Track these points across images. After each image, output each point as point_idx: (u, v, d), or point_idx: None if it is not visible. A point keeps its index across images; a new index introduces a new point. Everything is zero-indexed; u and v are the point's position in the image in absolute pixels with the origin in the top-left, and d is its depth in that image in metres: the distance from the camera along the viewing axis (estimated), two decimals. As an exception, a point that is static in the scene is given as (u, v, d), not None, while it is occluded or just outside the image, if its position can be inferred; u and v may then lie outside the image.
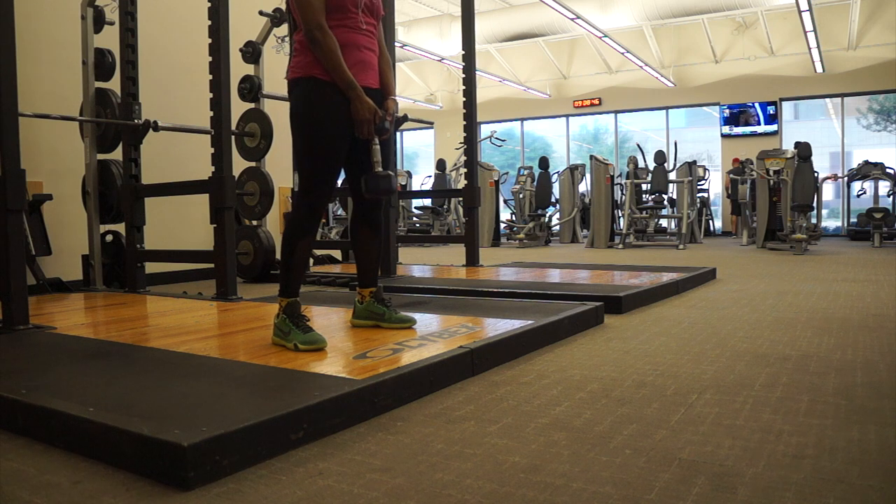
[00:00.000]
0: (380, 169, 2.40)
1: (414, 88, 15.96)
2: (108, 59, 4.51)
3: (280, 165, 5.59)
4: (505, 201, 11.79)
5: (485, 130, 12.87)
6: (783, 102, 12.86)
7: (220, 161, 3.67)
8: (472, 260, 5.54)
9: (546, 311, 2.92)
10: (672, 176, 10.36)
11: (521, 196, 11.14)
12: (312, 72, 2.32)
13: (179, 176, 4.35)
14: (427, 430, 1.63)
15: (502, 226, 11.44)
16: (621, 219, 9.86)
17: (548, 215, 11.20)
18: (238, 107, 4.59)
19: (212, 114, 3.71)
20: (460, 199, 8.41)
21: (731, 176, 10.93)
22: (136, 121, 4.19)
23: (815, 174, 8.48)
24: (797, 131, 13.13)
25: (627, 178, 9.97)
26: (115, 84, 4.45)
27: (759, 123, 12.83)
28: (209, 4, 3.67)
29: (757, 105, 12.82)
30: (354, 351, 2.19)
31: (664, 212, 10.37)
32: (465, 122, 5.79)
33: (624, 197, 9.95)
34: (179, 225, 5.54)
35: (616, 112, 14.55)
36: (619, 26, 11.61)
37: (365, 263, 2.61)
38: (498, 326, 2.58)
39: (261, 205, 5.17)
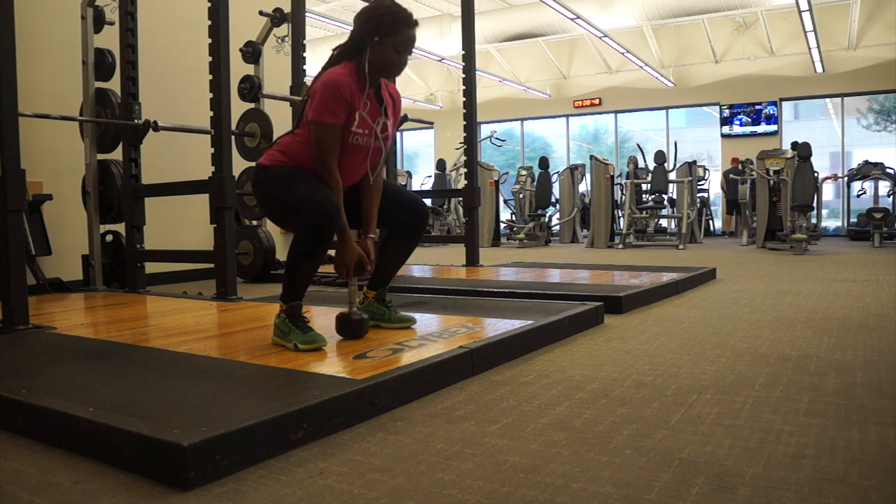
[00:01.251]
0: (355, 310, 2.39)
1: (414, 88, 15.96)
2: (108, 59, 4.51)
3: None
4: (505, 201, 11.79)
5: (485, 130, 12.87)
6: (783, 102, 12.86)
7: (220, 161, 3.67)
8: (472, 260, 5.54)
9: (546, 311, 2.92)
10: (672, 176, 10.36)
11: (521, 196, 11.14)
12: (289, 165, 2.31)
13: (179, 176, 4.34)
14: (427, 430, 1.63)
15: (502, 226, 11.44)
16: (621, 219, 9.86)
17: (548, 215, 11.20)
18: (238, 107, 4.59)
19: (212, 114, 3.71)
20: (460, 199, 8.41)
21: (731, 175, 10.92)
22: (136, 121, 4.19)
23: (815, 174, 8.49)
24: (797, 131, 13.13)
25: (627, 178, 9.97)
26: (115, 84, 4.45)
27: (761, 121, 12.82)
28: (209, 4, 3.67)
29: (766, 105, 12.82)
30: (354, 351, 2.19)
31: (664, 212, 10.37)
32: (465, 122, 5.80)
33: (624, 197, 9.95)
34: (179, 225, 5.54)
35: (616, 112, 14.55)
36: (619, 26, 11.61)
37: (389, 269, 2.60)
38: (498, 326, 2.58)
39: (259, 208, 5.16)
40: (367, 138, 2.35)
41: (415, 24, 2.33)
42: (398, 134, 10.46)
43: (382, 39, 2.27)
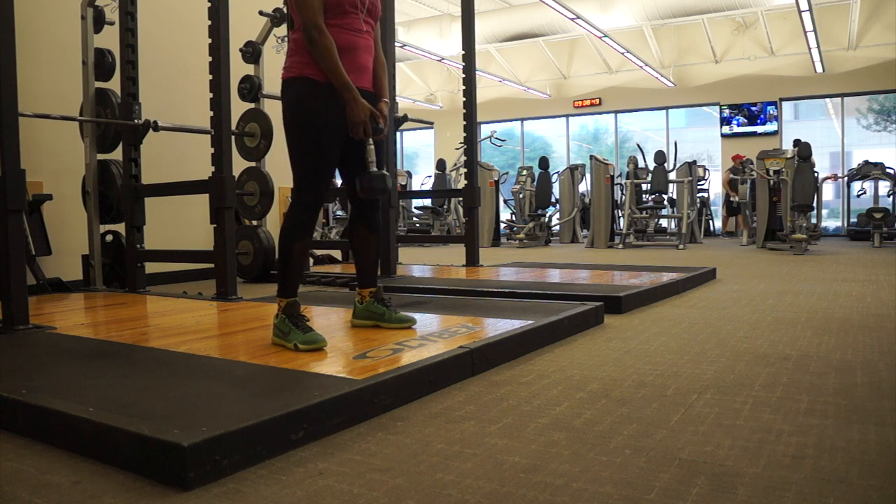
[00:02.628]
0: (374, 169, 2.40)
1: (414, 88, 15.95)
2: (108, 59, 4.51)
3: (280, 165, 5.56)
4: (505, 201, 11.79)
5: (485, 130, 12.87)
6: (783, 102, 12.86)
7: (220, 161, 3.67)
8: (472, 260, 5.54)
9: (546, 311, 2.92)
10: (672, 176, 10.36)
11: (521, 196, 11.14)
12: (307, 72, 2.32)
13: (179, 176, 4.34)
14: (427, 430, 1.63)
15: (502, 226, 11.44)
16: (621, 219, 9.86)
17: (548, 215, 11.20)
18: (238, 107, 4.59)
19: (212, 114, 3.71)
20: (460, 199, 8.41)
21: (732, 176, 10.89)
22: (136, 121, 4.19)
23: (815, 174, 8.49)
24: (797, 131, 13.13)
25: (627, 178, 9.97)
26: (115, 84, 4.45)
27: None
28: (209, 4, 3.67)
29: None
30: (354, 351, 2.19)
31: (664, 212, 10.37)
32: (465, 122, 5.79)
33: (624, 197, 9.95)
34: (179, 225, 5.54)
35: (616, 112, 14.55)
36: (619, 26, 11.61)
37: (364, 264, 2.61)
38: (498, 326, 2.58)
39: (261, 205, 5.17)
40: (356, 18, 2.36)
41: None
42: (398, 134, 10.41)
43: None
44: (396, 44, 9.21)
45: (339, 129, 2.34)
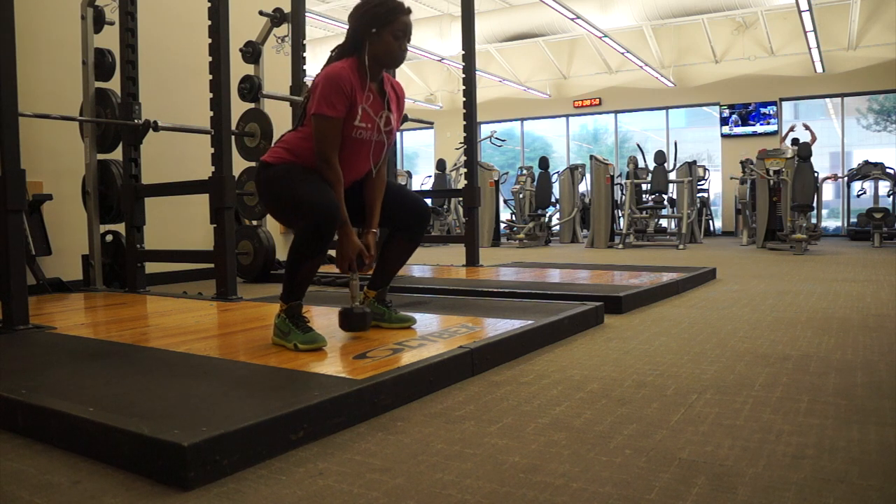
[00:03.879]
0: (357, 304, 2.39)
1: (414, 88, 15.95)
2: (108, 59, 4.51)
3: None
4: (505, 201, 11.79)
5: (485, 130, 12.87)
6: (783, 102, 12.86)
7: (220, 161, 3.67)
8: (472, 260, 5.54)
9: (546, 311, 2.92)
10: (672, 176, 10.36)
11: (521, 196, 11.14)
12: (295, 162, 2.33)
13: (179, 176, 4.34)
14: (427, 430, 1.63)
15: (502, 226, 11.44)
16: (621, 219, 9.86)
17: (548, 215, 11.20)
18: (238, 107, 4.59)
19: (212, 114, 3.71)
20: (460, 199, 8.41)
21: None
22: (136, 121, 4.19)
23: (815, 174, 8.48)
24: (797, 131, 13.12)
25: (627, 178, 9.97)
26: (115, 84, 4.45)
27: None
28: (209, 4, 3.67)
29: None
30: (354, 351, 2.19)
31: (664, 212, 10.37)
32: (465, 122, 5.80)
33: (624, 197, 9.94)
34: (179, 225, 5.54)
35: (616, 112, 14.54)
36: (619, 26, 11.61)
37: (389, 270, 2.61)
38: (498, 326, 2.58)
39: (261, 205, 5.17)
40: (370, 132, 2.37)
41: (408, 11, 2.37)
42: (399, 134, 10.43)
43: (380, 30, 2.30)
44: (396, 44, 9.20)
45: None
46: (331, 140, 2.27)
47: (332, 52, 2.40)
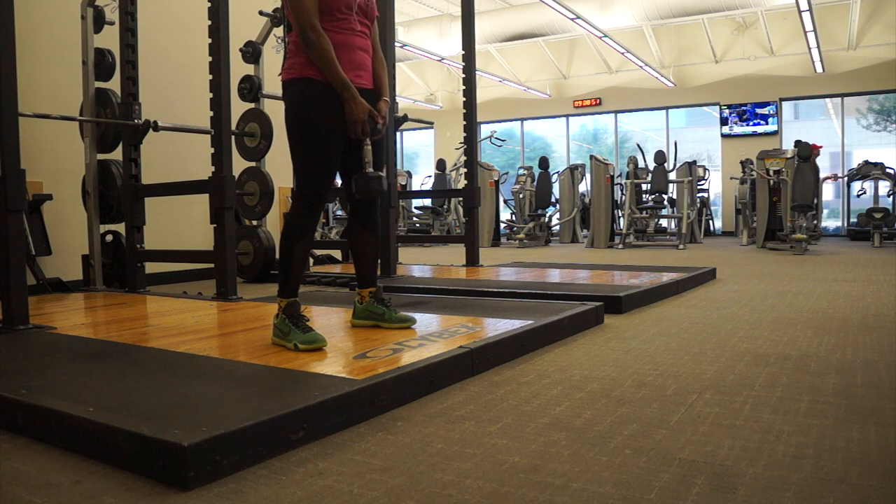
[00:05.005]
0: (370, 169, 2.40)
1: (414, 88, 15.95)
2: (108, 59, 4.51)
3: (280, 165, 5.58)
4: (505, 201, 11.79)
5: (485, 130, 12.87)
6: (783, 102, 12.86)
7: (220, 161, 3.67)
8: (472, 260, 5.54)
9: (546, 311, 2.92)
10: (672, 176, 10.35)
11: (521, 196, 11.14)
12: (307, 73, 2.32)
13: (179, 176, 4.34)
14: (427, 430, 1.63)
15: (502, 226, 11.44)
16: (621, 219, 9.85)
17: (548, 215, 11.20)
18: (238, 107, 4.59)
19: (212, 114, 3.71)
20: (460, 199, 8.41)
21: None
22: (136, 121, 4.19)
23: (815, 174, 8.48)
24: (797, 131, 13.13)
25: (627, 178, 9.96)
26: (115, 84, 4.45)
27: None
28: (209, 4, 3.67)
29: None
30: (354, 351, 2.19)
31: (664, 212, 10.37)
32: (465, 122, 5.79)
33: (624, 197, 9.94)
34: (179, 225, 5.54)
35: (616, 112, 14.54)
36: (619, 26, 11.61)
37: (363, 264, 2.62)
38: (498, 326, 2.58)
39: (261, 205, 5.17)
40: None
41: None
42: (398, 134, 10.40)
43: None
44: (396, 44, 9.21)
45: (339, 127, 2.34)
46: (308, 6, 2.26)
47: None
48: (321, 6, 2.30)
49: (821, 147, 9.72)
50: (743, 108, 12.87)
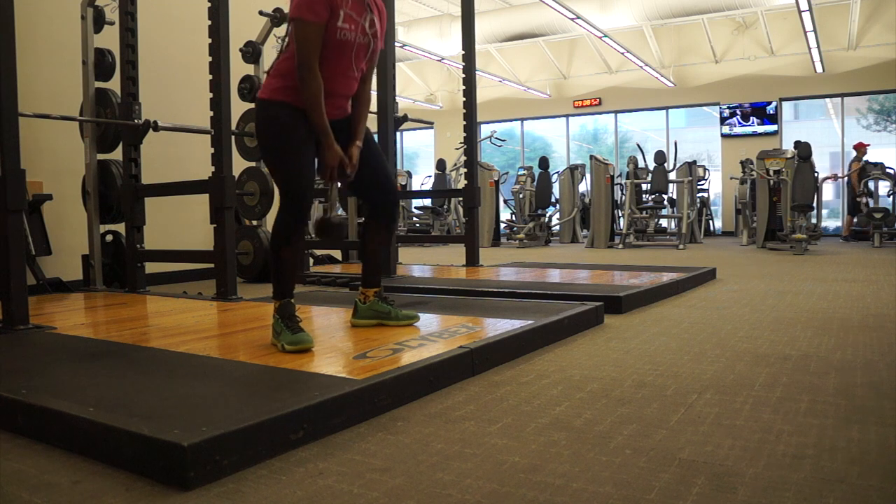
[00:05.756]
0: (334, 213, 2.41)
1: (414, 88, 15.95)
2: (108, 59, 4.51)
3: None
4: (505, 201, 11.78)
5: (485, 130, 12.87)
6: (783, 102, 12.86)
7: (220, 161, 3.67)
8: (472, 260, 5.54)
9: (546, 311, 2.92)
10: (672, 176, 10.35)
11: (521, 196, 11.14)
12: (286, 98, 2.32)
13: (179, 176, 4.34)
14: (427, 430, 1.63)
15: (502, 226, 11.44)
16: (621, 219, 9.85)
17: (548, 215, 11.19)
18: (238, 107, 4.59)
19: (212, 114, 3.71)
20: (460, 199, 8.40)
21: (856, 166, 10.34)
22: (136, 121, 4.18)
23: (816, 174, 8.48)
24: (797, 131, 13.12)
25: (627, 178, 9.97)
26: (115, 84, 4.45)
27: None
28: (209, 4, 3.67)
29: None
30: (354, 351, 2.19)
31: (664, 212, 10.37)
32: (465, 122, 5.79)
33: (624, 197, 9.94)
34: (179, 225, 5.54)
35: (616, 112, 14.54)
36: (619, 26, 11.61)
37: (373, 263, 2.63)
38: (498, 326, 2.58)
39: (261, 205, 5.17)
40: (354, 33, 2.34)
41: None
42: (398, 134, 10.38)
43: None
44: (396, 44, 9.21)
45: (311, 138, 2.34)
46: (311, 45, 2.25)
47: None
48: (328, 41, 2.29)
49: (868, 145, 9.64)
50: (744, 107, 12.86)
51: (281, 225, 2.34)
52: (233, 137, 4.51)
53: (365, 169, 2.47)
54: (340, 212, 2.50)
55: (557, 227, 11.55)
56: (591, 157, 9.94)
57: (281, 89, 2.33)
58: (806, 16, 9.61)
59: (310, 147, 2.35)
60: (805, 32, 10.46)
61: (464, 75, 5.76)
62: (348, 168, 2.39)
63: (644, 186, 10.68)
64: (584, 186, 11.54)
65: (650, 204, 10.33)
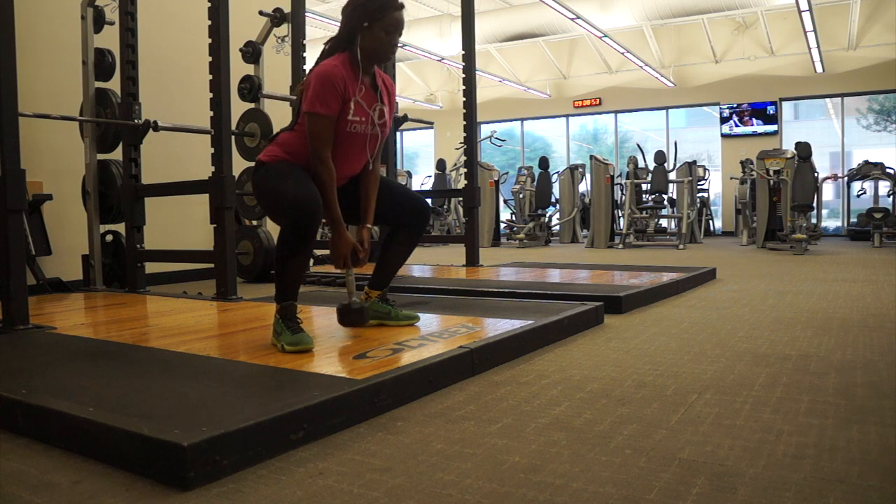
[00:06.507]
0: (354, 300, 2.39)
1: (414, 88, 15.96)
2: (108, 59, 4.51)
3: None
4: (505, 201, 11.78)
5: (485, 130, 12.87)
6: (783, 102, 12.86)
7: (220, 161, 3.67)
8: (472, 260, 5.54)
9: (546, 311, 2.92)
10: (672, 176, 10.35)
11: (521, 196, 11.14)
12: (287, 158, 2.34)
13: (179, 176, 4.34)
14: (427, 430, 1.63)
15: (502, 226, 11.44)
16: (621, 219, 9.86)
17: (548, 215, 11.19)
18: (238, 107, 4.59)
19: (212, 114, 3.71)
20: (460, 199, 8.41)
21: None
22: (136, 121, 4.19)
23: (815, 174, 8.48)
24: (797, 131, 13.12)
25: (627, 178, 9.97)
26: (115, 84, 4.45)
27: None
28: (209, 4, 3.67)
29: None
30: (354, 351, 2.19)
31: (664, 212, 10.37)
32: (465, 122, 5.79)
33: (624, 197, 9.94)
34: (179, 225, 5.54)
35: (616, 112, 14.55)
36: (619, 26, 11.61)
37: (391, 267, 2.63)
38: (498, 326, 2.57)
39: (259, 207, 5.16)
40: (365, 125, 2.37)
41: (400, 6, 2.41)
42: (398, 134, 10.40)
43: (371, 24, 2.34)
44: (396, 44, 9.20)
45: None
46: (324, 137, 2.28)
47: (325, 44, 2.42)
48: (339, 133, 2.31)
49: None
50: (743, 107, 12.87)
51: (285, 243, 2.26)
52: (233, 137, 4.51)
53: (387, 203, 2.49)
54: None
55: (557, 227, 11.56)
56: (591, 157, 9.94)
57: (280, 158, 2.35)
58: (806, 16, 9.61)
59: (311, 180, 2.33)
60: (805, 32, 10.47)
61: (464, 75, 5.76)
62: (360, 254, 2.38)
63: (644, 186, 10.68)
64: (584, 186, 11.54)
65: (650, 204, 10.33)
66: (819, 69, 12.16)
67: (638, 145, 11.06)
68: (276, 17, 5.25)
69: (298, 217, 2.19)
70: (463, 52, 5.75)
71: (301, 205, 2.19)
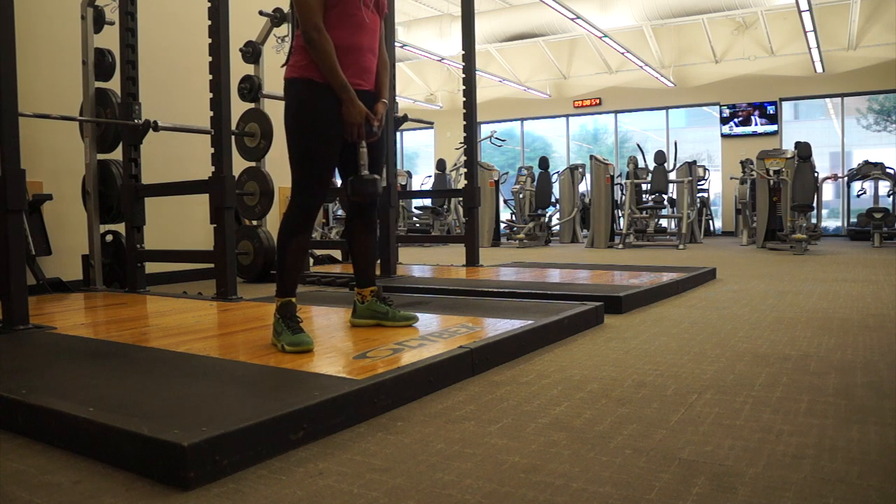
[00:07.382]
0: (365, 172, 2.41)
1: (414, 88, 15.95)
2: (108, 59, 4.51)
3: (280, 165, 5.56)
4: (505, 201, 11.79)
5: (485, 130, 12.87)
6: (783, 102, 12.86)
7: (220, 161, 3.67)
8: (472, 260, 5.54)
9: (546, 311, 2.92)
10: (672, 176, 10.35)
11: (521, 196, 11.14)
12: (309, 73, 2.33)
13: (179, 176, 4.34)
14: (427, 430, 1.63)
15: (502, 226, 11.44)
16: (621, 219, 9.85)
17: (548, 215, 11.19)
18: (238, 107, 4.59)
19: (212, 114, 3.71)
20: (460, 199, 8.41)
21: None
22: (136, 121, 4.19)
23: (815, 174, 8.48)
24: (797, 131, 13.12)
25: (627, 178, 9.97)
26: (115, 84, 4.45)
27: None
28: (209, 4, 3.67)
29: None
30: (354, 351, 2.19)
31: (664, 212, 10.37)
32: (465, 122, 5.79)
33: (624, 197, 9.94)
34: (179, 225, 5.54)
35: (616, 112, 14.54)
36: (619, 26, 11.61)
37: (362, 263, 2.63)
38: (498, 326, 2.58)
39: (261, 205, 5.17)
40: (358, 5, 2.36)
41: None
42: (398, 134, 10.37)
43: None
44: (396, 44, 9.21)
45: (337, 131, 2.35)
46: (311, 4, 2.26)
47: None
48: (340, 21, 2.30)
49: None
50: (742, 107, 12.87)
51: (291, 217, 2.37)
52: (233, 137, 4.51)
53: (350, 169, 2.46)
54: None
55: (557, 227, 11.55)
56: (591, 157, 9.94)
57: (302, 65, 2.34)
58: (806, 16, 9.61)
59: (333, 140, 2.35)
60: (805, 32, 10.46)
61: (464, 75, 5.76)
62: (374, 123, 2.39)
63: (644, 186, 10.68)
64: (584, 186, 11.54)
65: (650, 204, 10.33)
66: (819, 69, 12.16)
67: (638, 145, 11.06)
68: (276, 17, 5.25)
69: (308, 201, 2.36)
70: (463, 52, 5.75)
71: (311, 189, 2.35)
